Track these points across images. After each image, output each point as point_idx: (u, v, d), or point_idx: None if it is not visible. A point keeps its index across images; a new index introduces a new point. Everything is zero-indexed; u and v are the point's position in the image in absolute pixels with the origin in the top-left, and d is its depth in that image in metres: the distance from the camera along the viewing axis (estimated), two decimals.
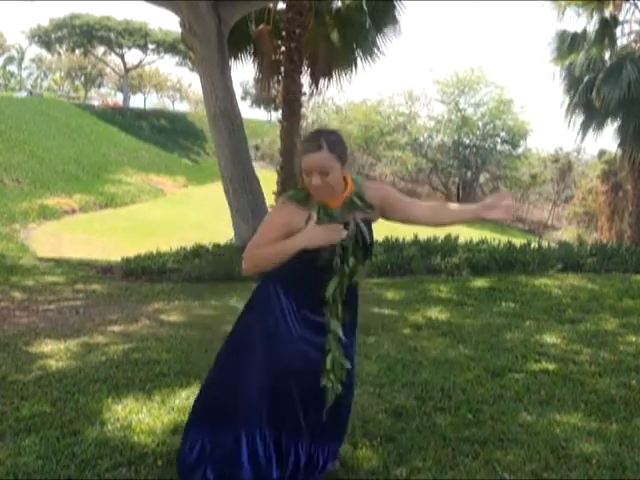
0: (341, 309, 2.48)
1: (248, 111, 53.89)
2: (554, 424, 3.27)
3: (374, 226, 2.57)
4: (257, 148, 44.16)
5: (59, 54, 58.86)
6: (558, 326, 5.38)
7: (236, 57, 11.16)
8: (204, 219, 24.25)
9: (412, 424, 3.20)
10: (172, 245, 9.89)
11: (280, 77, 11.15)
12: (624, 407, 3.51)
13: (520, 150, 42.03)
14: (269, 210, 10.15)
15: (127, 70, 58.16)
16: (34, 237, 22.15)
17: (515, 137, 41.39)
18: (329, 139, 2.41)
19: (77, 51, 54.67)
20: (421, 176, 44.18)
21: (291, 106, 10.80)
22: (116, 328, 5.17)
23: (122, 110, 50.74)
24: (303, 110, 12.16)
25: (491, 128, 41.65)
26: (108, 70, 61.70)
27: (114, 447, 2.89)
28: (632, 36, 16.65)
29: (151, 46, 53.85)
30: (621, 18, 15.90)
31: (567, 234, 28.14)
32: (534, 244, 9.36)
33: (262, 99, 48.53)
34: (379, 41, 11.24)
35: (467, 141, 42.26)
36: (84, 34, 50.71)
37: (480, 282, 7.26)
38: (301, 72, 10.94)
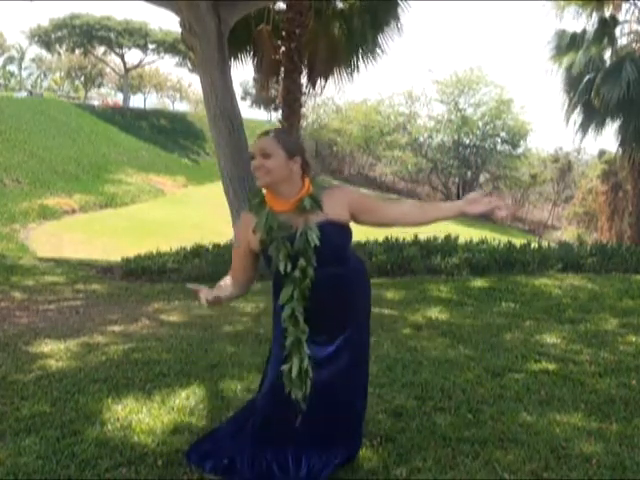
0: (302, 315, 2.45)
1: (248, 111, 53.92)
2: (554, 424, 3.26)
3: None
4: None
5: (59, 54, 58.86)
6: (558, 326, 5.38)
7: (236, 57, 11.16)
8: (204, 219, 24.25)
9: (412, 424, 3.20)
10: (172, 245, 9.90)
11: (280, 77, 11.16)
12: (624, 407, 3.51)
13: (520, 150, 42.05)
14: None
15: (127, 70, 58.17)
16: (34, 237, 22.15)
17: (515, 137, 41.39)
18: (279, 131, 2.59)
19: (77, 51, 54.68)
20: (421, 176, 44.18)
21: (291, 106, 10.80)
22: (116, 328, 5.17)
23: (122, 110, 50.74)
24: (303, 110, 12.18)
25: (491, 128, 41.65)
26: (108, 70, 61.70)
27: (114, 447, 2.89)
28: (632, 36, 16.65)
29: (151, 46, 53.87)
30: (621, 18, 15.91)
31: (567, 234, 28.15)
32: (534, 244, 9.37)
33: (262, 99, 48.53)
34: (379, 41, 11.24)
35: (467, 141, 42.27)
36: (84, 34, 50.72)
37: (480, 282, 7.26)
38: (301, 72, 10.94)
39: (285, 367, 2.45)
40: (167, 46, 52.25)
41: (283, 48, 10.85)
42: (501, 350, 4.56)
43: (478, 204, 2.55)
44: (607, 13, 15.15)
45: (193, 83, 67.72)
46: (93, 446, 2.89)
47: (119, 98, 62.82)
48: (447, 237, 9.35)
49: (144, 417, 3.23)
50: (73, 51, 54.95)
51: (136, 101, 64.82)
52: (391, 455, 2.85)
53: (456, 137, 41.62)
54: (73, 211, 27.45)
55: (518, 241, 9.49)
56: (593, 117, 16.07)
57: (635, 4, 16.04)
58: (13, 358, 4.24)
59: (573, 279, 7.57)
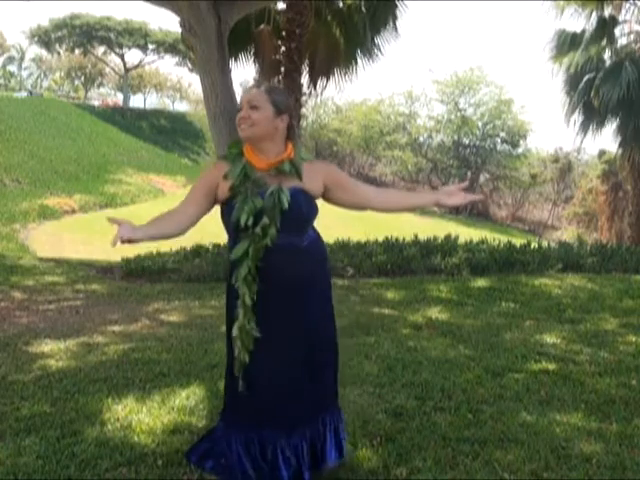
0: (250, 276, 2.35)
1: None
2: (554, 424, 3.26)
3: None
4: None
5: (59, 54, 58.87)
6: (558, 326, 5.38)
7: (236, 57, 11.16)
8: (204, 219, 24.16)
9: (412, 424, 3.19)
10: (172, 245, 9.87)
11: (280, 77, 11.15)
12: (624, 407, 3.51)
13: (520, 150, 42.03)
14: None
15: (127, 70, 58.16)
16: (34, 237, 22.14)
17: (515, 137, 41.38)
18: (271, 85, 2.56)
19: (77, 51, 54.69)
20: (421, 176, 44.18)
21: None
22: (116, 328, 5.17)
23: (122, 110, 50.75)
24: (303, 110, 12.17)
25: (491, 128, 41.64)
26: (108, 70, 61.71)
27: (114, 447, 2.89)
28: (632, 36, 16.64)
29: (151, 46, 53.86)
30: (621, 18, 15.89)
31: (567, 234, 28.13)
32: (534, 244, 9.37)
33: None
34: (379, 41, 11.25)
35: (467, 141, 42.25)
36: (84, 34, 50.72)
37: (480, 282, 7.26)
38: (301, 72, 10.94)
39: (234, 328, 2.38)
40: (167, 46, 52.25)
41: (283, 48, 10.85)
42: (501, 350, 4.56)
43: (454, 196, 2.62)
44: (607, 13, 15.14)
45: (193, 83, 67.78)
46: (93, 446, 2.89)
47: (119, 98, 62.83)
48: (447, 237, 9.36)
49: (144, 417, 3.23)
50: (73, 51, 54.96)
51: (136, 101, 64.86)
52: (391, 455, 2.85)
53: (456, 137, 41.62)
54: (73, 211, 27.43)
55: (518, 241, 9.49)
56: (593, 117, 16.07)
57: (635, 4, 16.03)
58: (13, 358, 4.24)
59: (573, 279, 7.57)
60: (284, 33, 10.74)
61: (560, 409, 3.47)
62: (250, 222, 2.33)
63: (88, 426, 3.12)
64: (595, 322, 5.55)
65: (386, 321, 5.45)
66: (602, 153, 25.88)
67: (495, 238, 9.66)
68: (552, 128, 40.45)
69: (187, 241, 10.43)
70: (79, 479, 2.65)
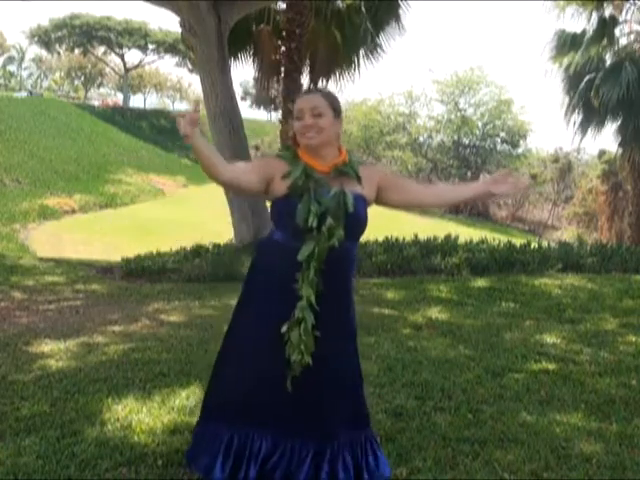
0: (316, 278, 2.30)
1: (248, 111, 53.94)
2: (554, 424, 3.27)
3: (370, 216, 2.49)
4: (257, 148, 44.13)
5: (59, 54, 58.89)
6: (558, 326, 5.38)
7: (236, 57, 11.17)
8: (204, 219, 24.24)
9: (412, 424, 3.19)
10: (172, 245, 9.89)
11: (280, 77, 11.16)
12: (624, 407, 3.51)
13: (520, 150, 42.03)
14: (268, 210, 10.15)
15: (127, 70, 58.19)
16: (34, 237, 22.13)
17: (515, 137, 41.38)
18: (325, 90, 2.53)
19: (77, 51, 54.73)
20: (421, 176, 44.16)
21: (291, 106, 10.79)
22: (116, 328, 5.17)
23: (122, 110, 50.75)
24: None
25: (491, 128, 41.63)
26: (108, 70, 61.73)
27: (114, 447, 2.89)
28: (632, 36, 16.64)
29: (151, 46, 53.92)
30: (621, 18, 15.90)
31: (567, 234, 28.12)
32: (534, 244, 9.36)
33: (262, 99, 48.51)
34: (379, 41, 11.26)
35: (467, 141, 42.25)
36: (84, 34, 50.77)
37: (480, 282, 7.26)
38: (301, 72, 10.95)
39: (285, 328, 2.32)
40: (167, 46, 52.31)
41: (283, 48, 10.86)
42: (501, 350, 4.56)
43: (502, 185, 2.51)
44: (607, 13, 15.14)
45: (193, 83, 67.84)
46: (93, 446, 2.89)
47: (119, 98, 62.84)
48: (447, 237, 9.35)
49: (144, 417, 3.23)
50: (73, 51, 55.02)
51: (136, 101, 64.90)
52: (391, 455, 2.85)
53: (456, 137, 41.61)
54: (73, 211, 27.42)
55: (518, 241, 9.49)
56: (593, 117, 16.07)
57: (635, 4, 16.03)
58: (13, 358, 4.24)
59: (573, 279, 7.57)
60: (284, 33, 10.75)
61: (560, 409, 3.47)
62: (315, 223, 2.28)
63: (88, 426, 3.12)
64: (595, 322, 5.55)
65: (386, 321, 5.45)
66: (602, 153, 25.87)
67: (495, 238, 9.66)
68: (552, 128, 40.49)
69: (187, 241, 10.45)
70: (79, 479, 2.64)
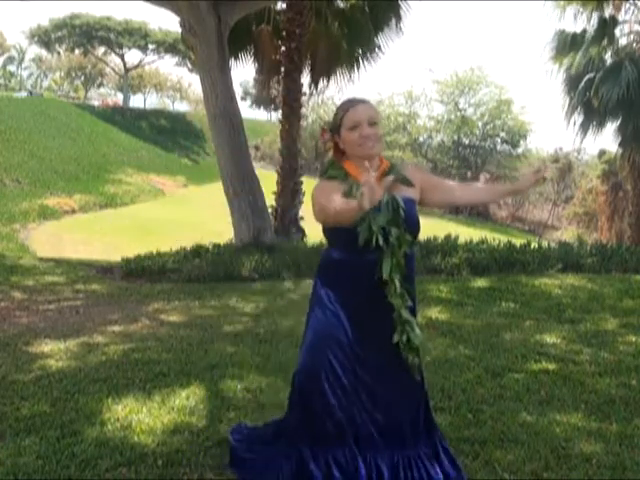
0: (400, 287, 2.32)
1: (248, 111, 53.97)
2: (554, 424, 3.26)
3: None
4: (257, 148, 44.17)
5: (59, 54, 58.89)
6: (558, 326, 5.38)
7: (236, 57, 11.17)
8: (204, 219, 24.23)
9: None
10: (172, 245, 9.88)
11: (280, 77, 11.16)
12: (624, 407, 3.51)
13: (520, 150, 42.05)
14: (269, 210, 10.18)
15: (127, 70, 58.18)
16: (34, 237, 22.15)
17: (515, 137, 41.40)
18: (366, 99, 2.48)
19: (77, 51, 54.71)
20: None
21: (291, 106, 10.81)
22: (116, 328, 5.17)
23: (122, 110, 50.74)
24: (303, 110, 12.18)
25: (491, 128, 41.66)
26: (108, 70, 61.73)
27: (114, 447, 2.89)
28: (632, 36, 16.64)
29: (151, 46, 53.89)
30: (621, 18, 15.90)
31: (567, 234, 28.13)
32: (534, 244, 9.36)
33: (262, 99, 48.53)
34: (380, 41, 11.25)
35: (467, 141, 42.27)
36: (84, 34, 50.75)
37: (480, 282, 7.26)
38: (301, 72, 10.95)
39: (396, 337, 2.34)
40: (167, 46, 52.28)
41: (283, 48, 10.86)
42: (501, 350, 4.56)
43: (526, 181, 2.58)
44: (607, 13, 15.14)
45: (193, 83, 67.81)
46: (93, 446, 2.89)
47: (119, 98, 62.83)
48: (447, 237, 9.35)
49: (144, 417, 3.23)
50: (73, 51, 55.00)
51: (136, 101, 64.91)
52: None
53: (456, 137, 41.63)
54: (73, 211, 27.45)
55: (518, 241, 9.48)
56: (593, 117, 16.07)
57: (635, 4, 16.03)
58: (13, 358, 4.24)
59: (573, 279, 7.56)
60: (284, 33, 10.75)
61: (560, 409, 3.47)
62: (381, 240, 2.29)
63: (88, 426, 3.12)
64: (595, 322, 5.55)
65: None
66: (602, 153, 25.87)
67: (495, 238, 9.65)
68: (552, 128, 40.51)
69: (187, 241, 10.45)
70: (79, 479, 2.65)
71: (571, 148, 37.30)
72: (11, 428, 3.09)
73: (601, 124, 16.26)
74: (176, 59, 54.83)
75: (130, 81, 60.74)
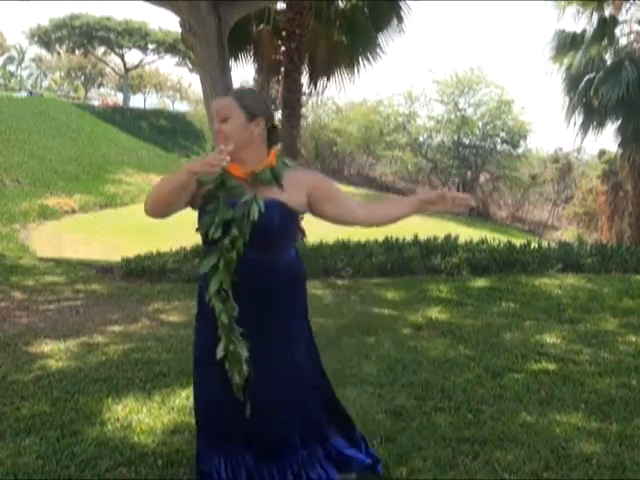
0: (222, 291, 2.25)
1: None
2: (554, 424, 3.26)
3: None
4: None
5: (59, 54, 58.85)
6: (558, 326, 5.38)
7: (236, 57, 11.16)
8: None
9: (412, 424, 3.19)
10: (172, 245, 9.88)
11: (280, 77, 11.15)
12: (624, 407, 3.51)
13: (520, 150, 42.01)
14: None
15: (127, 70, 58.15)
16: (34, 237, 22.12)
17: (515, 137, 41.36)
18: (240, 89, 2.42)
19: (77, 51, 54.67)
20: (421, 176, 44.17)
21: (291, 106, 10.80)
22: (116, 328, 5.17)
23: (122, 110, 50.71)
24: (303, 110, 12.18)
25: (491, 128, 41.62)
26: (108, 70, 61.70)
27: (114, 447, 2.89)
28: (632, 36, 16.64)
29: (151, 46, 53.83)
30: (621, 18, 15.90)
31: (567, 234, 28.11)
32: (534, 244, 9.36)
33: None
34: (380, 41, 11.24)
35: (467, 141, 42.23)
36: (84, 34, 50.70)
37: (480, 282, 7.26)
38: (301, 72, 10.94)
39: (219, 350, 2.24)
40: (167, 46, 52.22)
41: (283, 48, 10.85)
42: (501, 350, 4.56)
43: (437, 204, 2.35)
44: (607, 13, 15.14)
45: (193, 83, 67.73)
46: (93, 446, 2.89)
47: (119, 98, 62.80)
48: (447, 237, 9.35)
49: (144, 417, 3.23)
50: (73, 51, 54.93)
51: (136, 101, 64.81)
52: (391, 455, 2.85)
53: (456, 137, 41.60)
54: (73, 211, 27.42)
55: (518, 241, 9.48)
56: (593, 117, 16.07)
57: (635, 4, 16.03)
58: (13, 358, 4.24)
59: (573, 279, 7.56)
60: (284, 33, 10.74)
61: (560, 409, 3.47)
62: (218, 234, 2.20)
63: (88, 426, 3.12)
64: (595, 322, 5.55)
65: (386, 321, 5.45)
66: (602, 153, 25.85)
67: (495, 238, 9.65)
68: (552, 128, 40.50)
69: (187, 241, 10.43)
70: (79, 479, 2.65)
71: (571, 148, 37.31)
72: (11, 428, 3.09)
73: (601, 124, 16.25)
74: (176, 59, 54.77)
75: (130, 81, 60.70)
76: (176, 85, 67.52)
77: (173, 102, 70.31)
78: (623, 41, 16.45)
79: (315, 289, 6.82)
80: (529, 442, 3.03)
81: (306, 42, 10.66)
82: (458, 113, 41.66)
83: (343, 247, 8.91)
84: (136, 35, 51.98)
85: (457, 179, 42.73)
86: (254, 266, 2.26)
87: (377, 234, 8.91)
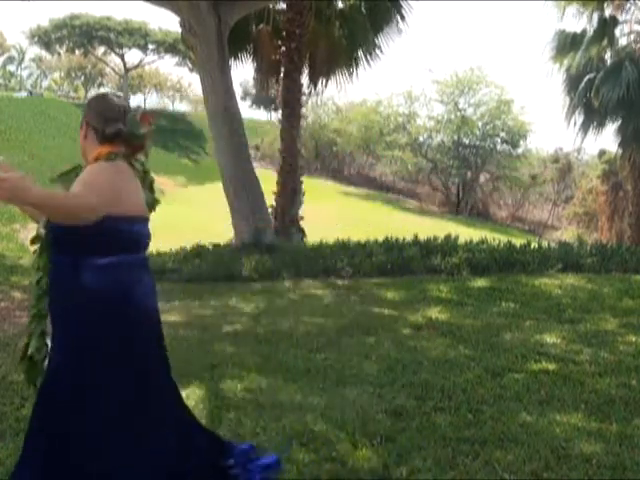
0: (37, 289, 2.30)
1: (248, 111, 53.88)
2: (554, 424, 3.26)
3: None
4: (257, 148, 44.12)
5: (59, 54, 58.86)
6: (558, 326, 5.38)
7: (236, 57, 11.16)
8: (204, 219, 24.22)
9: (412, 424, 3.19)
10: (172, 245, 9.88)
11: (280, 77, 11.16)
12: (624, 407, 3.51)
13: (520, 150, 41.99)
14: (269, 210, 10.19)
15: (127, 70, 58.16)
16: None
17: (515, 137, 41.35)
18: (91, 98, 2.46)
19: (77, 51, 54.67)
20: (421, 176, 44.17)
21: (291, 106, 10.80)
22: None
23: None
24: (303, 110, 12.18)
25: (491, 128, 41.60)
26: (108, 70, 61.71)
27: None
28: (632, 36, 16.64)
29: (151, 46, 53.84)
30: (621, 18, 15.90)
31: (567, 234, 28.10)
32: (534, 244, 9.36)
33: (262, 99, 48.55)
34: (380, 41, 11.25)
35: (467, 141, 42.21)
36: (84, 34, 50.70)
37: (480, 282, 7.26)
38: (301, 72, 10.94)
39: (26, 340, 2.32)
40: (167, 46, 52.23)
41: (283, 48, 10.85)
42: (501, 350, 4.56)
43: None
44: (607, 13, 15.14)
45: (193, 83, 67.66)
46: None
47: None
48: (447, 237, 9.35)
49: None
50: (73, 51, 54.94)
51: (136, 101, 64.73)
52: (391, 455, 2.85)
53: (456, 137, 41.59)
54: None
55: (518, 241, 9.48)
56: (593, 117, 16.07)
57: (635, 4, 16.03)
58: (13, 358, 4.23)
59: (573, 279, 7.56)
60: (284, 33, 10.75)
61: (560, 409, 3.47)
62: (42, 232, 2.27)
63: None
64: (595, 322, 5.55)
65: (386, 321, 5.45)
66: (602, 153, 25.86)
67: (495, 238, 9.65)
68: (552, 128, 40.47)
69: (187, 241, 10.44)
70: None
71: (571, 148, 37.30)
72: (11, 428, 3.09)
73: (601, 124, 16.26)
74: (176, 59, 54.77)
75: (130, 81, 60.71)
76: (176, 85, 67.51)
77: (173, 102, 70.32)
78: (623, 41, 16.47)
79: (315, 289, 6.82)
80: (529, 442, 3.03)
81: (306, 42, 10.66)
82: (458, 113, 41.65)
83: (343, 247, 8.92)
84: (136, 35, 51.99)
85: (457, 179, 42.74)
86: (54, 269, 2.35)
87: (377, 234, 8.91)
